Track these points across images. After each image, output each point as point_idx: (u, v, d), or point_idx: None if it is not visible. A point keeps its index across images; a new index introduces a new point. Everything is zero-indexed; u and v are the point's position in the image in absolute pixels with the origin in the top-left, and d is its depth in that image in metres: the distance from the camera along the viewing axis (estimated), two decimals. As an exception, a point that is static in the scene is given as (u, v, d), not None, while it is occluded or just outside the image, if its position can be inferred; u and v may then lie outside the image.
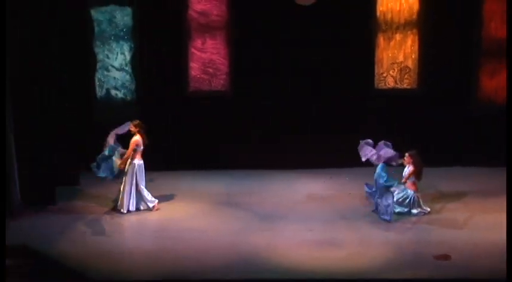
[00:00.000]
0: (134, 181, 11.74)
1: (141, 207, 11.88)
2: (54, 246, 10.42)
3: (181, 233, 11.07)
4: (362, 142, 11.76)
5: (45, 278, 9.63)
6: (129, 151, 11.63)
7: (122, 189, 11.75)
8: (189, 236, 10.90)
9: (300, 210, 11.96)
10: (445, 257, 10.01)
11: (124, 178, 11.74)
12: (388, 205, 11.30)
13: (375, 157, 11.49)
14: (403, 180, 11.57)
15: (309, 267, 9.72)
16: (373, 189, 11.67)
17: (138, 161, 11.71)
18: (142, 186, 11.81)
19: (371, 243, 10.59)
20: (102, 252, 10.32)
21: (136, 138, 11.70)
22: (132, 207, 11.81)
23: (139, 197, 11.84)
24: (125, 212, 11.73)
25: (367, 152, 11.62)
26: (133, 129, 11.75)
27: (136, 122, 11.79)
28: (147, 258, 10.12)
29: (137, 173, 11.72)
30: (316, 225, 11.23)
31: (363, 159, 11.65)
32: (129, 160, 11.65)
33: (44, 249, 10.24)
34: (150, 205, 11.88)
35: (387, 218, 11.30)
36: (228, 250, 10.39)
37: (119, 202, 11.81)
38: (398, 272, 9.65)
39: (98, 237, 10.87)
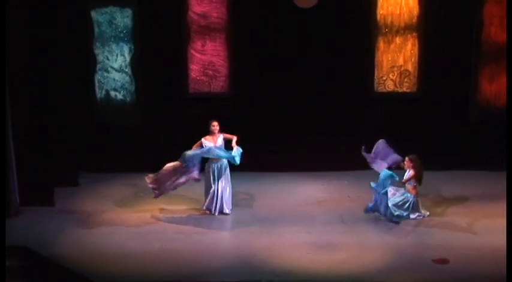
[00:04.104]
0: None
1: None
2: (53, 247, 10.41)
3: (181, 234, 11.06)
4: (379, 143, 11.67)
5: (44, 280, 9.62)
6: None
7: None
8: (189, 238, 10.89)
9: (299, 213, 11.94)
10: (444, 260, 10.01)
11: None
12: (387, 207, 11.36)
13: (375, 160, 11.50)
14: (403, 181, 11.52)
15: (307, 270, 9.71)
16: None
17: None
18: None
19: (370, 246, 10.58)
20: (101, 253, 10.31)
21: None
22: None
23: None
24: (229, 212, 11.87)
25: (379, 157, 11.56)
26: (216, 128, 11.87)
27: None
28: (147, 260, 10.09)
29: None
30: (315, 228, 11.22)
31: (386, 166, 11.58)
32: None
33: (43, 250, 10.20)
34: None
35: (395, 219, 11.33)
36: (227, 252, 10.43)
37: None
38: (397, 275, 9.65)
39: (97, 238, 10.85)
